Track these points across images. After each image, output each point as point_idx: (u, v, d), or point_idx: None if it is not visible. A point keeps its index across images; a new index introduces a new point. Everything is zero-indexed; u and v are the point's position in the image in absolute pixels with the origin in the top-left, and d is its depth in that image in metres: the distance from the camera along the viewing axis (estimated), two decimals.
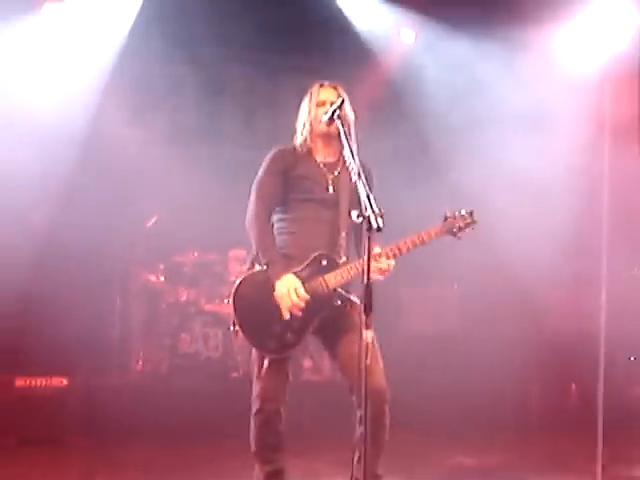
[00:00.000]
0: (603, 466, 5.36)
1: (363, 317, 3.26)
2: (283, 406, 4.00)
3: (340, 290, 3.93)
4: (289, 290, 3.83)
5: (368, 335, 3.27)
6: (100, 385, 6.89)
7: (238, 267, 7.75)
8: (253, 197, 4.05)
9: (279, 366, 3.94)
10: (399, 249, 3.95)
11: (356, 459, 3.86)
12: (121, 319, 7.98)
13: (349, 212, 3.55)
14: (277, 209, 4.09)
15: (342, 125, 3.83)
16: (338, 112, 3.87)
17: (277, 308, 3.86)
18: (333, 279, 3.92)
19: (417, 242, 3.98)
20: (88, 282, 7.72)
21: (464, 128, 8.08)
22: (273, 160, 4.09)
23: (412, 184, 7.79)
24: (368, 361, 3.29)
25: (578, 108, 7.55)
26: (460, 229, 4.08)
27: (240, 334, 3.93)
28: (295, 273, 3.89)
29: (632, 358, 7.63)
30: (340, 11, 7.93)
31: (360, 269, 3.51)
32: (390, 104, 8.61)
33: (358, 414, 3.86)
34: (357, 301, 3.90)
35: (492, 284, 7.78)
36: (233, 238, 7.39)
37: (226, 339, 7.41)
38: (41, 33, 7.27)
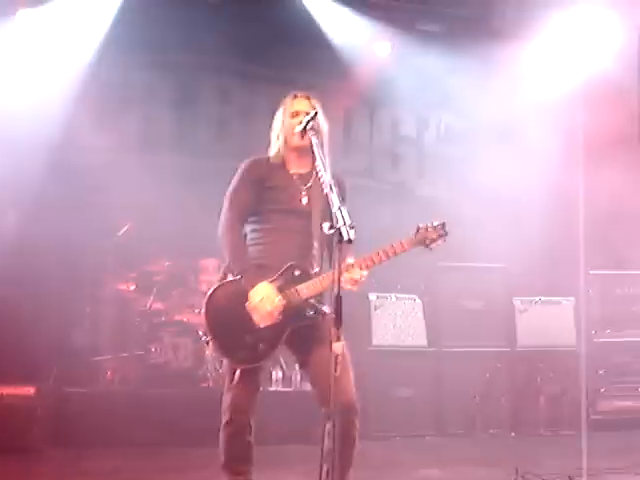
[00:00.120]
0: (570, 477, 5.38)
1: (333, 328, 3.26)
2: (253, 417, 3.99)
3: (312, 300, 3.93)
4: (264, 298, 3.83)
5: (338, 347, 3.27)
6: (69, 394, 6.82)
7: (209, 277, 7.74)
8: (226, 207, 4.05)
9: (250, 377, 3.93)
10: (372, 260, 3.95)
11: (324, 472, 3.85)
12: (91, 328, 7.92)
13: (321, 223, 3.55)
14: (250, 219, 4.09)
15: (315, 137, 3.83)
16: (311, 124, 3.88)
17: (249, 318, 3.85)
18: (305, 289, 3.91)
19: (390, 253, 3.98)
20: (58, 290, 7.66)
21: (437, 141, 8.13)
22: (247, 170, 4.09)
23: (384, 196, 7.82)
24: (337, 373, 3.28)
25: (551, 123, 7.64)
26: (432, 241, 4.09)
27: (211, 344, 3.92)
28: (269, 282, 3.89)
29: (600, 372, 7.69)
30: (315, 23, 7.96)
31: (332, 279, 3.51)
32: (364, 115, 8.66)
33: (326, 426, 3.85)
34: (329, 312, 3.90)
35: (463, 296, 7.80)
36: (204, 247, 7.38)
37: (196, 349, 7.37)
38: (14, 39, 7.23)
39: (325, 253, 4.08)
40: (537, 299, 7.80)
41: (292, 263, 3.94)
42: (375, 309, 7.53)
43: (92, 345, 7.78)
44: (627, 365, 7.74)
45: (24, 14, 7.20)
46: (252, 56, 8.24)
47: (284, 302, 3.87)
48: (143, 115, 8.53)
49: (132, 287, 7.89)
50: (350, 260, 3.85)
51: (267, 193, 4.03)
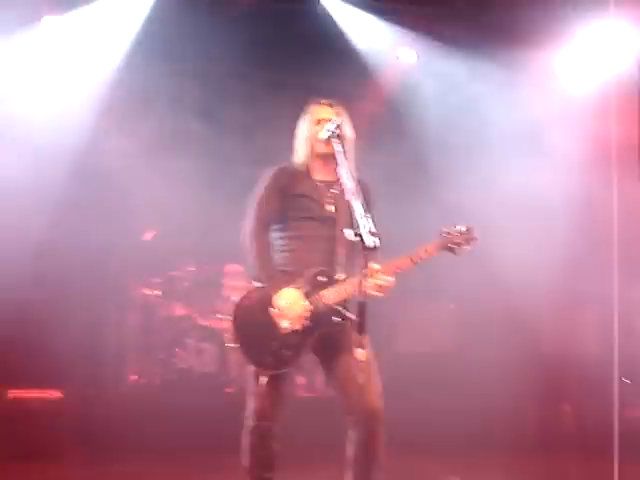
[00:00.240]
0: None
1: (356, 335, 3.26)
2: (278, 424, 4.00)
3: (338, 307, 3.93)
4: (290, 302, 3.83)
5: (362, 354, 3.27)
6: (94, 398, 6.87)
7: (234, 282, 7.77)
8: (251, 215, 4.06)
9: (275, 383, 3.93)
10: (397, 266, 3.94)
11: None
12: (116, 332, 7.97)
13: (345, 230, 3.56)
14: (276, 227, 4.10)
15: (339, 144, 3.84)
16: (335, 131, 3.89)
17: (275, 324, 3.86)
18: (330, 296, 3.91)
19: (415, 259, 3.96)
20: (83, 295, 7.70)
21: (462, 147, 8.10)
22: (272, 178, 4.11)
23: (410, 202, 7.80)
24: (362, 380, 3.28)
25: (578, 128, 7.59)
26: (459, 245, 4.04)
27: (237, 351, 3.93)
28: (295, 287, 3.89)
29: (626, 380, 7.61)
30: (339, 29, 7.96)
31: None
32: (388, 122, 8.64)
33: (351, 434, 3.85)
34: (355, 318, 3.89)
35: (488, 303, 7.78)
36: (229, 253, 7.42)
37: (220, 354, 7.39)
38: (39, 46, 7.29)
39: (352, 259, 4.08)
40: None
41: (317, 269, 3.95)
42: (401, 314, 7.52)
43: (117, 349, 7.83)
44: None
45: (49, 21, 7.25)
46: (276, 64, 8.25)
47: (311, 307, 3.87)
48: (169, 121, 8.57)
49: (157, 292, 7.93)
50: (375, 266, 3.85)
51: (292, 201, 4.04)
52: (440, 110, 8.16)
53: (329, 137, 3.90)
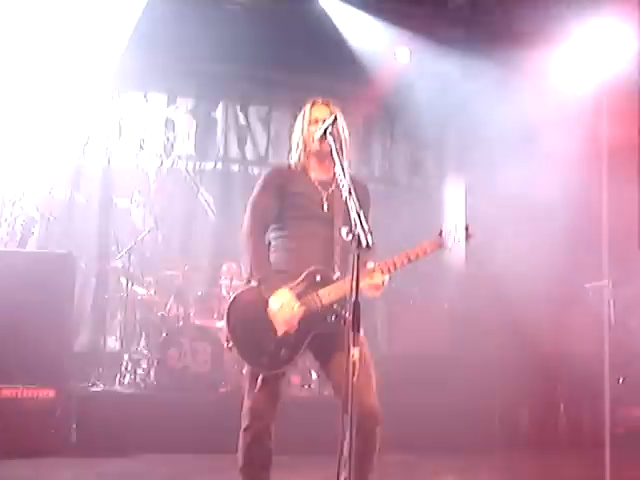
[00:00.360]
0: None
1: (351, 334, 3.25)
2: (273, 423, 3.99)
3: (334, 306, 3.92)
4: (283, 305, 3.83)
5: (356, 353, 3.26)
6: (88, 397, 6.85)
7: (229, 281, 7.75)
8: (248, 214, 4.05)
9: (271, 383, 3.93)
10: (393, 264, 3.92)
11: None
12: (110, 332, 7.96)
13: (341, 229, 3.55)
14: (273, 227, 4.10)
15: (334, 142, 3.84)
16: (330, 129, 3.88)
17: (271, 324, 3.85)
18: (327, 295, 3.90)
19: (411, 257, 3.94)
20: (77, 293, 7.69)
21: (457, 146, 8.11)
22: (268, 178, 4.10)
23: (404, 202, 7.81)
24: (355, 379, 3.27)
25: (572, 128, 7.60)
26: (455, 243, 4.02)
27: (233, 350, 3.92)
28: (289, 288, 3.89)
29: (620, 380, 7.63)
30: (336, 29, 7.97)
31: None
32: (384, 121, 8.65)
33: (347, 434, 3.84)
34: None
35: (482, 303, 7.78)
36: (224, 252, 7.42)
37: (215, 354, 7.38)
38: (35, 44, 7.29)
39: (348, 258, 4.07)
40: None
41: (313, 269, 3.94)
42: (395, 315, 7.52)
43: (111, 349, 7.82)
44: None
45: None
46: (272, 63, 8.25)
47: (303, 309, 3.86)
48: (164, 121, 8.58)
49: (152, 291, 7.92)
50: (370, 265, 3.84)
51: (289, 200, 4.04)
52: (435, 109, 8.16)
53: (324, 135, 3.89)
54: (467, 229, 4.07)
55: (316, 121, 4.08)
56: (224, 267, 7.90)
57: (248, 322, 3.90)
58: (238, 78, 8.74)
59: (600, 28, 7.28)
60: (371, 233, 3.29)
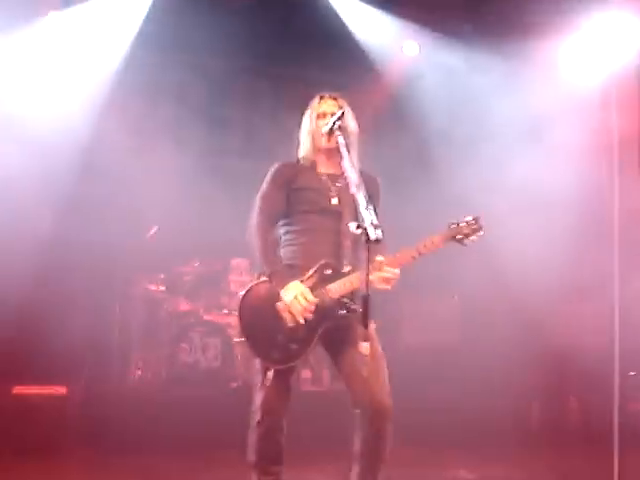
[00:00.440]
0: None
1: (360, 328, 3.25)
2: (284, 418, 3.99)
3: (344, 299, 3.91)
4: (296, 296, 3.82)
5: (366, 347, 3.25)
6: (99, 394, 6.87)
7: (239, 277, 7.77)
8: (256, 210, 4.06)
9: (282, 377, 3.94)
10: (404, 257, 3.92)
11: (355, 474, 3.85)
12: (121, 328, 7.97)
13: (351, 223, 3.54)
14: (282, 222, 4.10)
15: (342, 136, 3.83)
16: (338, 124, 3.88)
17: (281, 318, 3.85)
18: (337, 288, 3.90)
19: (422, 250, 3.92)
20: (88, 291, 7.71)
21: (465, 139, 8.08)
22: (276, 173, 4.11)
23: (414, 196, 7.79)
24: (366, 374, 3.27)
25: (581, 120, 7.56)
26: (466, 236, 4.00)
27: (245, 345, 3.93)
28: (300, 281, 3.88)
29: (632, 373, 7.60)
30: (343, 23, 7.95)
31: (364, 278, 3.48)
32: (392, 115, 8.63)
33: (358, 428, 3.84)
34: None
35: (492, 296, 7.76)
36: (234, 248, 7.41)
37: (225, 349, 7.39)
38: (45, 40, 7.29)
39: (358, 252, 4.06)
40: None
41: (323, 262, 3.94)
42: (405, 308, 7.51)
43: (122, 345, 7.83)
44: None
45: (54, 17, 7.25)
46: (280, 58, 8.25)
47: (317, 300, 3.86)
48: (173, 116, 8.58)
49: (162, 287, 7.93)
50: (380, 258, 3.84)
51: (297, 194, 4.04)
52: (443, 102, 8.14)
53: (331, 129, 3.89)
54: (477, 221, 4.06)
55: (324, 115, 4.08)
56: (233, 263, 7.91)
57: (259, 316, 3.91)
58: (244, 73, 8.73)
59: (609, 20, 7.24)
60: (380, 227, 3.29)
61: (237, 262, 7.91)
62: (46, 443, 6.16)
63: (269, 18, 7.82)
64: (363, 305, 3.26)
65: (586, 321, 7.70)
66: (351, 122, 4.08)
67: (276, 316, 3.85)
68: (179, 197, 7.86)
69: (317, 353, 4.13)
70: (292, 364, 3.94)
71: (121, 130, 7.83)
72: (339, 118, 3.90)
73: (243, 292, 3.99)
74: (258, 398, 3.98)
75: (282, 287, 3.85)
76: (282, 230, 4.12)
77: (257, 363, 4.00)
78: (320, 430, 6.41)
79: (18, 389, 6.56)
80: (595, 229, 7.25)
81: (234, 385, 7.32)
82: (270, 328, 3.87)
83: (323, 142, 4.06)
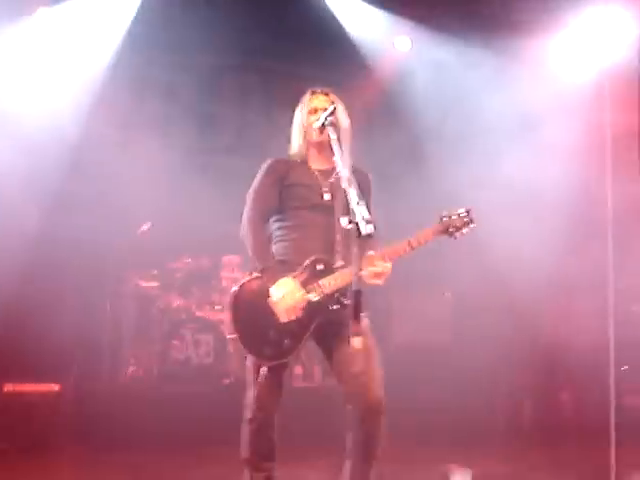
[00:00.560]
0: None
1: (352, 323, 3.24)
2: (277, 414, 3.99)
3: (336, 294, 3.91)
4: (285, 293, 3.82)
5: (357, 342, 3.24)
6: (90, 391, 6.86)
7: (231, 273, 7.76)
8: (248, 206, 4.05)
9: (274, 373, 3.92)
10: (395, 252, 3.91)
11: (347, 470, 3.85)
12: (112, 325, 7.95)
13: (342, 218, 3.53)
14: (274, 218, 4.09)
15: (334, 132, 3.82)
16: (330, 119, 3.86)
17: (273, 314, 3.84)
18: (328, 283, 3.89)
19: (413, 244, 3.93)
20: (78, 288, 7.69)
21: (456, 135, 8.08)
22: (268, 169, 4.09)
23: (405, 191, 7.79)
24: (358, 369, 3.27)
25: (572, 117, 7.57)
26: (457, 229, 4.02)
27: (237, 341, 3.92)
28: (291, 277, 3.88)
29: (624, 368, 7.62)
30: (334, 18, 7.94)
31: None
32: (383, 111, 8.62)
33: (351, 424, 3.83)
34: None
35: (484, 292, 7.77)
36: (225, 244, 7.40)
37: (217, 345, 7.39)
38: (34, 37, 7.26)
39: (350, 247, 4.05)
40: None
41: (315, 257, 3.93)
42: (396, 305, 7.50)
43: (113, 342, 7.82)
44: None
45: (43, 13, 7.23)
46: (271, 53, 8.23)
47: (307, 296, 3.85)
48: (163, 113, 8.55)
49: (154, 284, 7.92)
50: (372, 253, 3.83)
51: (289, 190, 4.03)
52: (435, 98, 8.14)
53: (323, 125, 3.88)
54: (468, 213, 4.06)
55: (315, 111, 4.07)
56: (225, 259, 7.90)
57: (251, 312, 3.90)
58: (235, 69, 8.72)
59: (600, 14, 7.25)
60: (372, 222, 3.28)
61: (229, 258, 7.90)
62: (37, 440, 6.16)
63: (260, 14, 7.81)
64: (355, 299, 3.25)
65: (579, 316, 7.72)
66: (343, 117, 4.06)
67: (267, 312, 3.84)
68: (170, 194, 7.84)
69: (308, 349, 4.13)
70: (284, 360, 3.92)
71: (110, 127, 7.82)
72: (331, 114, 3.88)
73: (235, 288, 3.97)
74: (250, 394, 3.96)
75: (273, 283, 3.85)
76: (274, 226, 4.10)
77: (249, 359, 3.98)
78: (312, 426, 6.42)
79: (9, 387, 6.54)
80: (586, 226, 7.27)
81: (226, 382, 7.31)
82: (262, 324, 3.85)
83: (314, 137, 4.05)
